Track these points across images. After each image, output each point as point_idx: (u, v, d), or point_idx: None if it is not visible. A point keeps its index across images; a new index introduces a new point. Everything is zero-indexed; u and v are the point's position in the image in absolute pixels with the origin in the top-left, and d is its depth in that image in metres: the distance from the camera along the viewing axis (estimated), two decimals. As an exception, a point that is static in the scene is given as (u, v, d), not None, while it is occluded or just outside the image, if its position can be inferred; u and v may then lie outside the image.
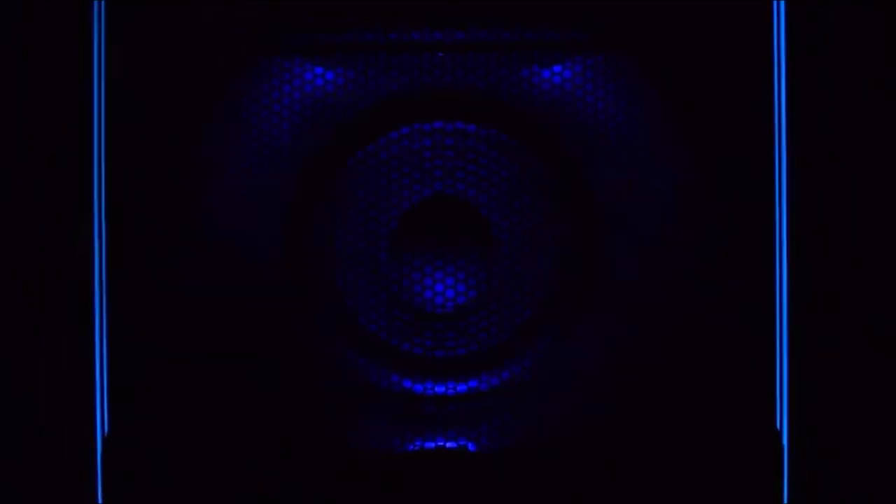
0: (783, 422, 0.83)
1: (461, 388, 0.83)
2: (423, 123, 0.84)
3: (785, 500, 0.82)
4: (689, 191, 0.82)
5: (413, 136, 0.84)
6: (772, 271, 0.83)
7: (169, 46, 0.81)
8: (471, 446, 0.81)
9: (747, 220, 0.82)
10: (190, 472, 0.81)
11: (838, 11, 0.96)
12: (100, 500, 0.83)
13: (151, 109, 0.81)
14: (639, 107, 0.82)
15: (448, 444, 0.81)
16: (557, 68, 0.83)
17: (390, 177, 0.84)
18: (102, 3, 0.83)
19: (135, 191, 0.82)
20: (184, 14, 0.81)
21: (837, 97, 0.96)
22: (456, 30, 0.83)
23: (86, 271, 0.87)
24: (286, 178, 0.83)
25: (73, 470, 0.99)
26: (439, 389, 0.83)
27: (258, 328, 0.82)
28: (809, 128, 0.94)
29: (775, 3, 0.83)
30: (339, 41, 0.83)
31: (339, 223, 0.84)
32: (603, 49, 0.83)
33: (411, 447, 0.81)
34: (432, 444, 0.81)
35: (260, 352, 0.82)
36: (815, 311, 0.96)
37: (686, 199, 0.82)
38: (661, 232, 0.82)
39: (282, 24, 0.82)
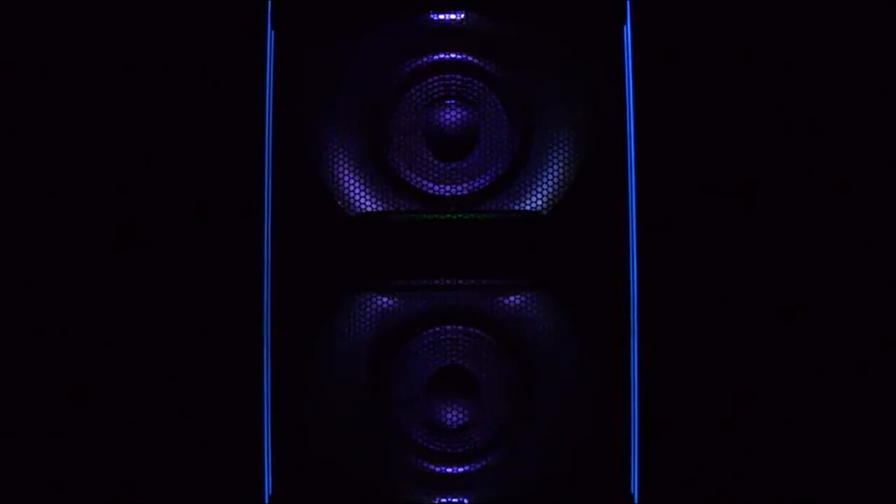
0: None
1: (460, 469, 1.55)
2: (444, 325, 1.57)
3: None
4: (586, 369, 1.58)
5: (437, 333, 1.57)
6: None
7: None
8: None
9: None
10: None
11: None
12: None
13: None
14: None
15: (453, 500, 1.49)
16: (511, 299, 1.58)
17: (424, 353, 1.56)
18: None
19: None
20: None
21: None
22: (458, 280, 1.57)
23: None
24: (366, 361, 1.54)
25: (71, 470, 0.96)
26: (448, 470, 1.55)
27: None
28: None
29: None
30: (401, 285, 1.54)
31: (397, 383, 1.55)
32: (533, 289, 1.59)
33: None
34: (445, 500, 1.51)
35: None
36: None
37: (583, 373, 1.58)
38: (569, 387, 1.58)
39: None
